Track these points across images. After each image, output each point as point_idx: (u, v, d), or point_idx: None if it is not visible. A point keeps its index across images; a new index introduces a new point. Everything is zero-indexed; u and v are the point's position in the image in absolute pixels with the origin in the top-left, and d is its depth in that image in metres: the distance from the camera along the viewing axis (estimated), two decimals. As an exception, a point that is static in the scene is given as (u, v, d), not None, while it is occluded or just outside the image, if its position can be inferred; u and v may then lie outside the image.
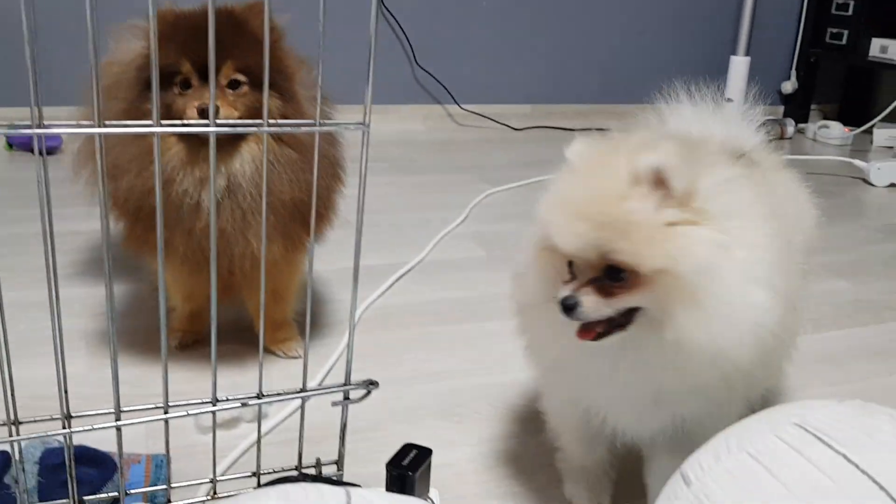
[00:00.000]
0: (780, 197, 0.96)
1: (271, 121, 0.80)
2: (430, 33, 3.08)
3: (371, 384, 0.92)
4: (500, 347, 1.40)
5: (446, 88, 3.15)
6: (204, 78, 1.07)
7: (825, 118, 3.49)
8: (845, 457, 0.63)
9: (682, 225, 0.75)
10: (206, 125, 0.74)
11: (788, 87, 3.53)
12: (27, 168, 2.23)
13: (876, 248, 2.04)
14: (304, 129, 0.84)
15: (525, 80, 3.28)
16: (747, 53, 3.29)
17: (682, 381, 0.80)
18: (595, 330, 0.79)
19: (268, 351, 1.32)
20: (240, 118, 1.08)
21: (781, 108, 3.59)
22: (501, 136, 3.10)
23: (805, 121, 3.49)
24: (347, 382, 0.91)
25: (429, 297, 1.60)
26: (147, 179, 1.08)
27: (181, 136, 1.10)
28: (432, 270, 1.74)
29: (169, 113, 1.07)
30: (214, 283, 0.82)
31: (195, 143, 1.10)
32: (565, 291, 0.78)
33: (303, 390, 0.90)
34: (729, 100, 3.39)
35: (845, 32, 3.32)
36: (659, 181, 0.74)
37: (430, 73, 3.13)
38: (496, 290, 1.63)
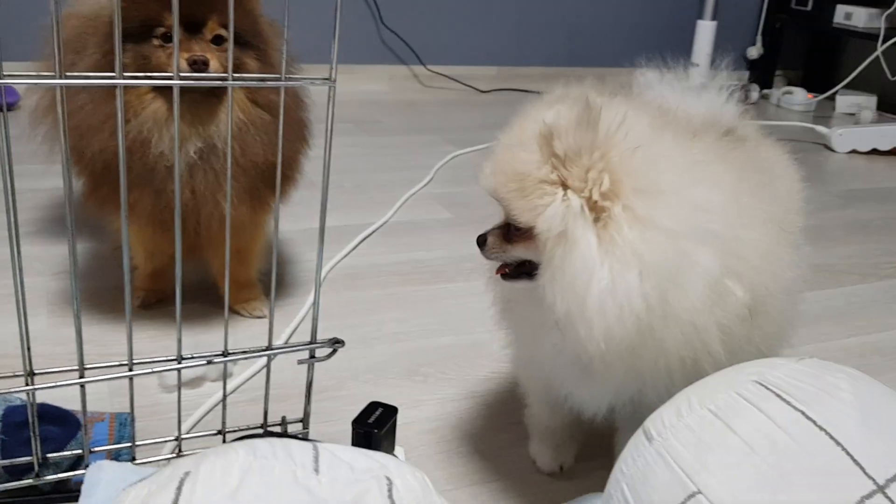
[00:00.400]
0: (773, 175, 0.93)
1: (236, 75, 0.79)
2: (394, -5, 3.05)
3: (337, 342, 0.92)
4: (465, 308, 1.40)
5: (412, 49, 3.12)
6: (189, 31, 1.05)
7: (789, 84, 3.51)
8: (804, 413, 0.65)
9: (551, 185, 0.74)
10: (171, 78, 0.72)
11: (754, 52, 3.55)
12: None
13: (836, 214, 2.07)
14: (269, 83, 0.82)
15: (491, 42, 3.26)
16: (714, 18, 3.29)
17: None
18: (503, 270, 0.82)
19: (232, 311, 1.31)
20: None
21: (746, 74, 3.61)
22: (467, 98, 3.09)
23: (769, 86, 3.52)
24: (313, 341, 0.91)
25: (394, 258, 1.60)
26: (114, 144, 1.06)
27: (159, 92, 1.07)
28: (397, 232, 1.73)
29: (148, 67, 1.05)
30: (179, 243, 0.81)
31: (170, 97, 1.07)
32: (484, 230, 0.82)
33: (268, 348, 0.90)
34: (695, 64, 3.39)
35: (810, -1, 3.34)
36: (546, 139, 0.74)
37: (395, 33, 3.09)
38: (461, 251, 1.64)
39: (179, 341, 0.85)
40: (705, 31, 3.29)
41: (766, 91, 3.44)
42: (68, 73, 0.68)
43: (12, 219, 0.72)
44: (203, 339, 1.22)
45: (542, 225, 0.73)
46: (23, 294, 0.76)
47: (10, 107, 2.00)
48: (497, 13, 3.22)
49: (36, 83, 0.68)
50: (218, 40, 1.08)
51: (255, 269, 1.34)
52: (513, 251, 0.79)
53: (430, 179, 2.07)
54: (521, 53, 3.32)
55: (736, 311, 0.78)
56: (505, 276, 0.82)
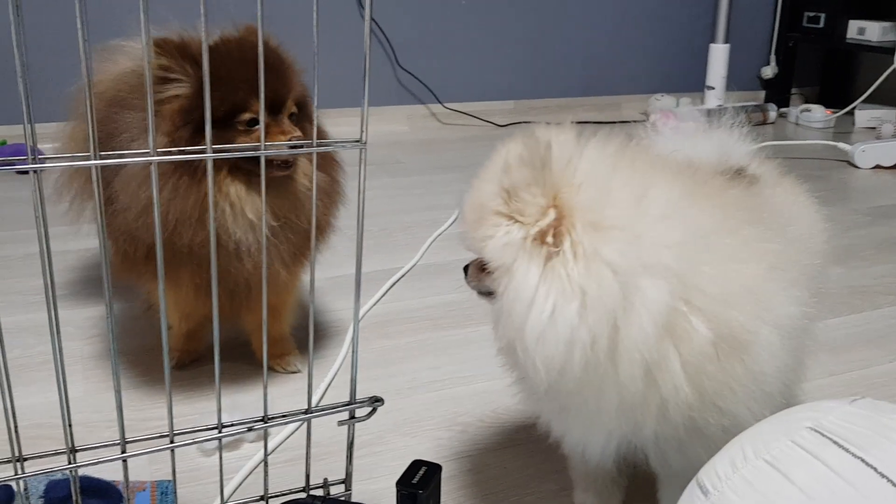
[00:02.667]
0: (782, 215, 0.91)
1: (268, 143, 0.79)
2: (410, 34, 3.07)
3: (376, 401, 0.91)
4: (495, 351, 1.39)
5: (429, 88, 3.14)
6: (272, 113, 1.05)
7: (806, 102, 3.50)
8: (863, 460, 0.63)
9: (501, 217, 0.75)
10: (203, 151, 0.72)
11: (768, 72, 3.54)
12: (9, 188, 2.20)
13: (865, 232, 2.05)
14: (302, 150, 0.83)
15: (507, 76, 3.28)
16: (726, 41, 3.29)
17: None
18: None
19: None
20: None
21: (762, 94, 3.60)
22: (486, 134, 3.10)
23: (786, 105, 3.50)
24: (353, 401, 0.90)
25: (424, 302, 1.60)
26: (204, 235, 1.05)
27: (235, 175, 1.07)
28: (426, 274, 1.73)
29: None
30: (216, 304, 0.81)
31: (247, 180, 1.07)
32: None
33: (308, 411, 0.89)
34: (710, 87, 3.39)
35: (822, 16, 3.33)
36: (502, 173, 0.75)
37: (412, 74, 3.11)
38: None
39: (219, 411, 0.85)
40: (719, 54, 3.29)
41: (783, 110, 3.42)
42: (102, 154, 0.68)
43: (50, 294, 0.72)
44: (239, 398, 1.21)
45: (487, 254, 0.75)
46: (63, 371, 0.76)
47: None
48: (511, 47, 3.23)
49: (71, 165, 0.68)
50: (292, 117, 1.09)
51: (289, 323, 1.34)
52: (485, 280, 0.79)
53: (455, 219, 2.07)
54: (536, 86, 3.33)
55: (700, 347, 0.75)
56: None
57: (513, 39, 3.23)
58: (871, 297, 1.66)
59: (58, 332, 0.74)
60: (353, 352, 0.89)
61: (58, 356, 0.75)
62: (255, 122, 1.04)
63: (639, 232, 0.73)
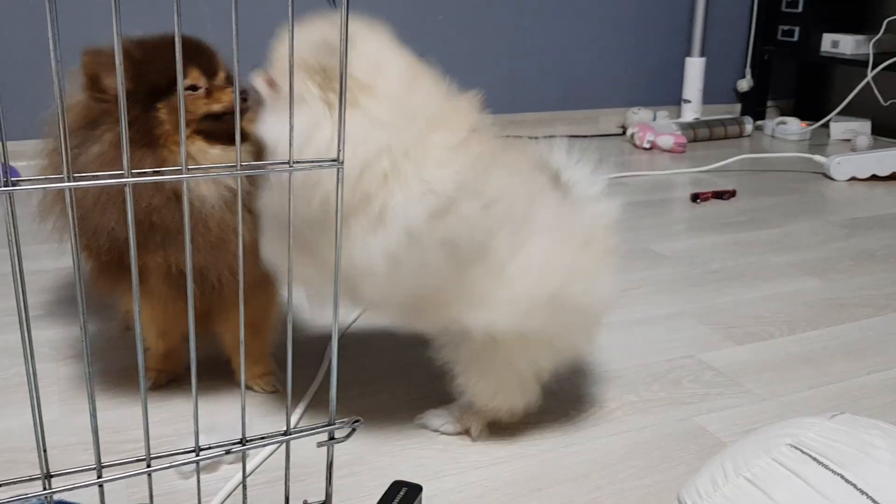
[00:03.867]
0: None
1: (244, 162, 0.78)
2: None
3: (355, 421, 0.91)
4: (479, 368, 1.39)
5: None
6: (208, 78, 1.12)
7: (782, 114, 3.53)
8: (843, 477, 0.63)
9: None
10: (179, 171, 0.71)
11: (744, 84, 3.57)
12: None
13: (842, 245, 2.06)
14: (277, 169, 0.82)
15: (485, 91, 3.27)
16: (702, 54, 3.33)
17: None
18: None
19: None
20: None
21: (738, 106, 3.63)
22: (464, 148, 3.10)
23: (762, 118, 3.53)
24: (332, 422, 0.90)
25: (404, 319, 1.59)
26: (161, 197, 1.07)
27: (197, 135, 1.11)
28: (405, 291, 1.72)
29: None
30: (192, 324, 0.80)
31: (206, 138, 1.12)
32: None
33: (286, 432, 0.89)
34: (686, 101, 3.42)
35: (796, 29, 3.37)
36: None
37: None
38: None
39: (197, 433, 0.84)
40: (695, 67, 3.32)
41: (759, 122, 3.45)
42: (76, 175, 0.67)
43: (23, 311, 0.71)
44: (218, 419, 1.20)
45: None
46: (37, 390, 0.75)
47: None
48: (489, 62, 3.24)
49: (44, 187, 0.67)
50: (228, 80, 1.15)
51: (269, 341, 1.33)
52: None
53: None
54: (514, 101, 3.33)
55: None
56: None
57: (490, 54, 3.24)
58: (850, 309, 1.67)
59: (32, 355, 0.73)
60: (332, 371, 0.88)
61: (32, 378, 0.73)
62: (194, 87, 1.11)
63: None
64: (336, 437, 0.91)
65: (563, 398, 1.29)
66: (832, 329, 1.57)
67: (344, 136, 0.77)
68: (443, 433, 1.19)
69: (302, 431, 0.89)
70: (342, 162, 0.78)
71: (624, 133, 3.29)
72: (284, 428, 0.89)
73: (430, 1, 3.11)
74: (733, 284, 1.78)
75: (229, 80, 1.15)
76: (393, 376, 1.37)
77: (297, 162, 0.77)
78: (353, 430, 0.91)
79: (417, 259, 0.97)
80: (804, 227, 2.18)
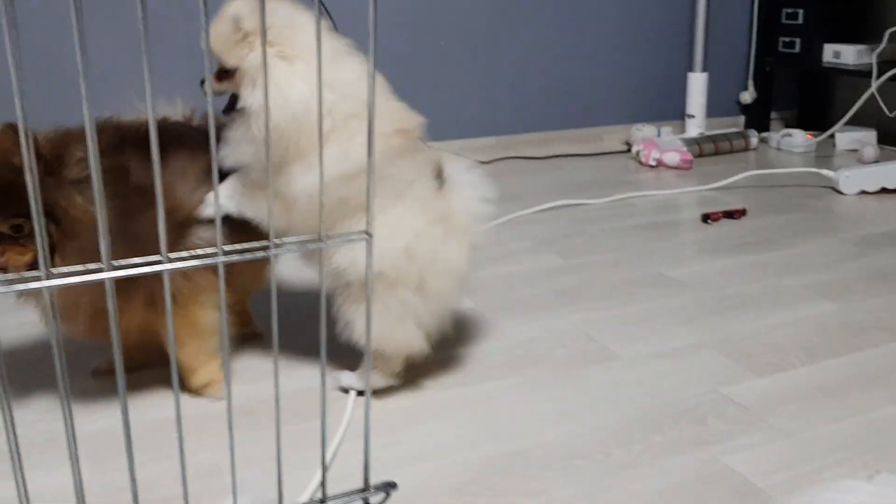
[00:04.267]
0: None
1: (277, 241, 0.78)
2: (391, 77, 3.07)
3: (389, 486, 0.90)
4: (504, 411, 1.38)
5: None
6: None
7: (786, 126, 3.54)
8: (892, 550, 0.63)
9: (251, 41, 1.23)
10: (215, 254, 0.71)
11: (747, 97, 3.58)
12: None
13: (856, 264, 2.06)
14: (311, 246, 0.82)
15: (488, 113, 3.29)
16: (704, 69, 3.33)
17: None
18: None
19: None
20: None
21: (742, 119, 3.64)
22: (470, 171, 3.10)
23: (767, 130, 3.54)
24: (366, 487, 0.89)
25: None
26: None
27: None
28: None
29: None
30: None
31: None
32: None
33: (322, 501, 0.88)
34: (690, 116, 3.42)
35: (797, 41, 3.37)
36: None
37: (393, 114, 3.11)
38: (487, 345, 1.63)
39: (235, 500, 0.84)
40: (697, 82, 3.33)
41: (764, 135, 3.45)
42: (116, 264, 0.67)
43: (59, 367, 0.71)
44: (244, 472, 1.19)
45: (245, 64, 1.24)
46: (76, 452, 0.74)
47: None
48: (491, 84, 3.25)
49: (86, 279, 0.67)
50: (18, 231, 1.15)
51: (199, 350, 1.37)
52: (225, 86, 1.28)
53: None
54: (517, 121, 3.34)
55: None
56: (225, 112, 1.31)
57: (492, 76, 3.25)
58: (867, 333, 1.66)
59: (70, 414, 0.73)
60: (365, 436, 0.88)
61: (71, 438, 0.73)
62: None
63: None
64: (371, 503, 0.90)
65: (591, 438, 1.29)
66: (852, 356, 1.57)
67: (374, 211, 0.77)
68: (353, 389, 1.42)
69: (337, 497, 0.89)
70: (371, 235, 0.78)
71: (629, 150, 3.29)
72: (320, 496, 0.89)
73: (431, 26, 3.12)
74: (749, 311, 1.78)
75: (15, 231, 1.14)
76: (416, 419, 1.36)
77: (329, 237, 0.77)
78: (388, 494, 0.90)
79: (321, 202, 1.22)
80: (817, 247, 2.18)
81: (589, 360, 1.56)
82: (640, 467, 1.23)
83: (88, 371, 1.51)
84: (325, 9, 2.90)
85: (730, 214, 2.43)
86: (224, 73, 1.27)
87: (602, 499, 1.16)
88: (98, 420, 1.36)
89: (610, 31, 3.37)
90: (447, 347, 1.62)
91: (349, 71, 1.29)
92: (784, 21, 3.42)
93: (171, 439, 1.29)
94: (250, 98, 1.23)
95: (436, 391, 1.46)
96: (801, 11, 3.34)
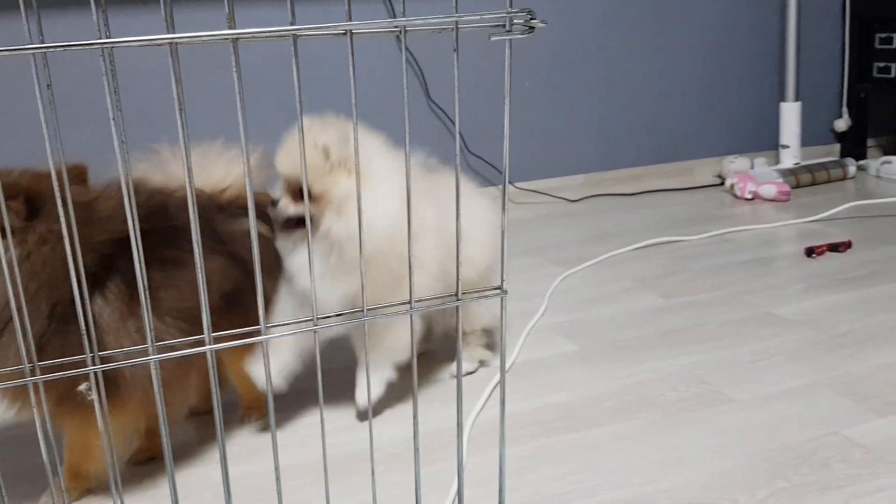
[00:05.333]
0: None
1: (417, 301, 0.80)
2: (477, 120, 3.11)
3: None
4: (617, 456, 1.37)
5: (499, 170, 3.17)
6: None
7: (884, 153, 3.44)
8: None
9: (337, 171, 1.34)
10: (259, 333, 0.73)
11: (842, 124, 3.50)
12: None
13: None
14: (449, 305, 0.83)
15: (575, 151, 3.29)
16: (797, 98, 3.27)
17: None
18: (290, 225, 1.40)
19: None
20: None
21: (837, 147, 3.55)
22: (559, 211, 3.10)
23: (863, 157, 3.45)
24: (499, 541, 0.90)
25: (530, 404, 1.58)
26: None
27: None
28: (526, 373, 1.72)
29: None
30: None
31: None
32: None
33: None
34: (784, 146, 3.35)
35: (893, 66, 3.29)
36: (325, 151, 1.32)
37: (481, 158, 3.15)
38: (598, 389, 1.61)
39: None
40: (790, 112, 3.27)
41: (861, 163, 3.36)
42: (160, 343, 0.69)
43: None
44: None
45: (335, 192, 1.33)
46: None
47: None
48: (577, 123, 3.26)
49: (133, 362, 0.70)
50: None
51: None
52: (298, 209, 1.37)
53: (546, 308, 2.06)
54: (605, 159, 3.33)
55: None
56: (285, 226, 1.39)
57: (579, 115, 3.26)
58: None
59: None
60: (500, 489, 0.88)
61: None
62: None
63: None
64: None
65: (713, 483, 1.26)
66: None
67: (505, 264, 0.79)
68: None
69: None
70: (506, 291, 0.79)
71: (722, 183, 3.24)
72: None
73: (515, 68, 3.15)
74: (864, 349, 1.73)
75: None
76: (528, 468, 1.35)
77: (465, 293, 0.78)
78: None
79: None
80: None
81: (702, 404, 1.53)
82: (767, 515, 1.20)
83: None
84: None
85: (835, 247, 2.36)
86: (298, 194, 1.35)
87: (730, 549, 1.13)
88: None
89: (698, 63, 3.35)
90: (556, 392, 1.61)
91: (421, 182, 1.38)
92: (878, 46, 3.34)
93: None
94: (337, 226, 1.32)
95: (548, 438, 1.45)
96: (895, 36, 3.26)
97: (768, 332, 1.84)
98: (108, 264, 1.12)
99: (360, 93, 2.72)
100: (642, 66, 3.28)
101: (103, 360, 0.71)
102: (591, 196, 3.22)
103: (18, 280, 0.96)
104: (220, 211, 1.37)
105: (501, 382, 0.88)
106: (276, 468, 0.80)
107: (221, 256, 1.29)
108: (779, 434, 1.42)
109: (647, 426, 1.46)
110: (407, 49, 2.92)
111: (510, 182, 3.18)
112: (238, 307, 1.32)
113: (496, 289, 0.79)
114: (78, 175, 1.16)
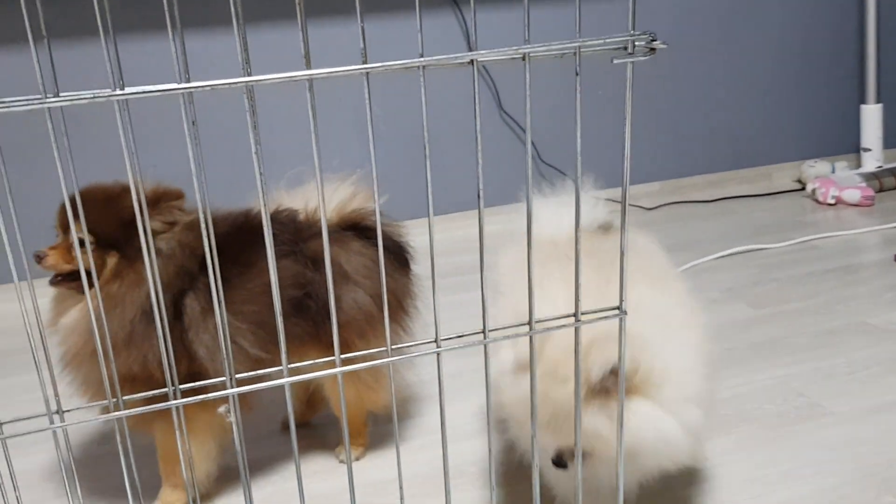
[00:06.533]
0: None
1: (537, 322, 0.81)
2: (550, 129, 3.10)
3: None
4: (721, 472, 1.35)
5: (572, 179, 3.15)
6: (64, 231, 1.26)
7: (972, 153, 3.33)
8: None
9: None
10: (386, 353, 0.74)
11: (925, 126, 3.40)
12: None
13: None
14: (566, 326, 0.83)
15: (650, 158, 3.26)
16: (878, 100, 3.19)
17: None
18: None
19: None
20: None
21: (921, 149, 3.46)
22: (636, 220, 3.07)
23: (950, 159, 3.35)
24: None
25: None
26: None
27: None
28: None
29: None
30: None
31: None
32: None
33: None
34: (866, 149, 3.27)
35: (979, 64, 3.20)
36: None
37: (553, 167, 3.14)
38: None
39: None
40: (871, 114, 3.20)
41: (950, 165, 3.26)
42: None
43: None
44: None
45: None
46: None
47: None
48: (652, 129, 3.23)
49: (267, 385, 0.72)
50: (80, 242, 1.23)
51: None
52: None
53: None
54: (681, 165, 3.30)
55: None
56: None
57: (654, 121, 3.23)
58: None
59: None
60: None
61: None
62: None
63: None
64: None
65: (820, 500, 1.24)
66: None
67: (625, 283, 0.79)
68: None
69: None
70: (625, 311, 0.79)
71: (802, 188, 3.18)
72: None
73: (589, 75, 3.13)
74: (967, 358, 1.68)
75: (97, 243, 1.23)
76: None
77: (584, 313, 0.79)
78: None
79: None
80: None
81: (801, 417, 1.51)
82: (878, 532, 1.18)
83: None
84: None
85: (926, 253, 2.30)
86: None
87: (844, 567, 1.11)
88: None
89: (775, 65, 3.29)
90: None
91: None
92: (962, 44, 3.25)
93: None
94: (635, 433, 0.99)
95: (645, 452, 1.45)
96: (981, 33, 3.16)
97: (863, 343, 1.80)
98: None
99: (429, 104, 2.74)
100: (717, 69, 3.24)
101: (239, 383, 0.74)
102: (668, 203, 3.19)
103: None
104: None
105: (620, 404, 0.88)
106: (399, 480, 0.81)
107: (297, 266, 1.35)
108: (884, 448, 1.39)
109: (746, 440, 1.44)
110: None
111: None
112: (306, 312, 1.35)
113: (615, 308, 0.79)
114: (179, 196, 1.26)
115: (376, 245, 1.48)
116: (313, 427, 1.59)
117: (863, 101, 3.22)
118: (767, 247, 2.50)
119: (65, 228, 1.25)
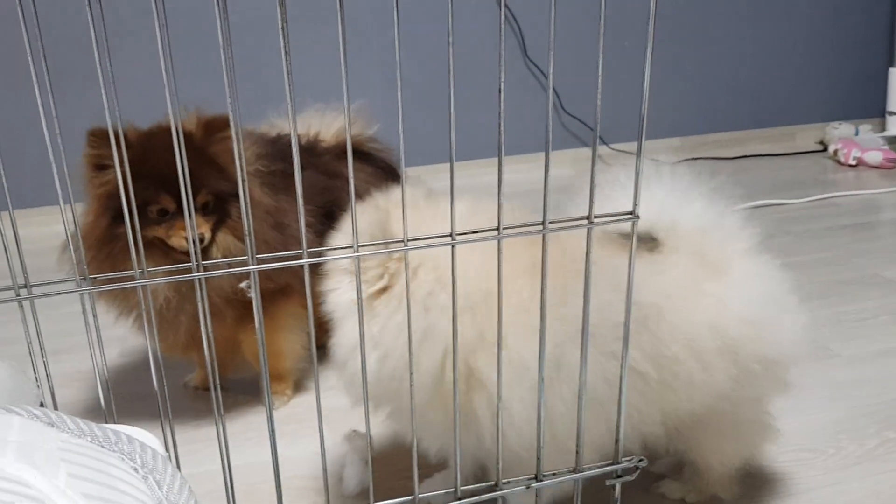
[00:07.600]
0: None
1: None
2: (574, 79, 3.10)
3: (640, 460, 0.93)
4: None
5: (593, 130, 3.16)
6: (179, 205, 1.20)
7: None
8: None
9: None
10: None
11: (953, 92, 3.37)
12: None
13: None
14: (578, 225, 0.85)
15: (673, 113, 3.26)
16: (907, 64, 3.17)
17: None
18: None
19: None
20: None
21: (950, 116, 3.43)
22: (654, 173, 3.07)
23: (977, 125, 3.32)
24: (618, 461, 0.93)
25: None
26: None
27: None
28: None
29: (144, 234, 1.16)
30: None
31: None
32: None
33: (576, 470, 0.92)
34: (892, 113, 3.24)
35: None
36: None
37: (576, 118, 3.15)
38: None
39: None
40: (899, 78, 3.17)
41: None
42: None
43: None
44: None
45: None
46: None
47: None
48: (676, 84, 3.22)
49: (288, 265, 0.75)
50: (205, 207, 1.25)
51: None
52: None
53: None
54: (704, 121, 3.29)
55: None
56: None
57: (678, 76, 3.22)
58: None
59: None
60: (620, 411, 0.91)
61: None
62: (164, 212, 1.22)
63: None
64: (622, 474, 0.94)
65: (822, 432, 1.27)
66: None
67: (639, 189, 0.81)
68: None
69: (591, 468, 0.93)
70: (638, 215, 0.81)
71: (825, 150, 3.17)
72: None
73: (616, 27, 3.12)
74: (976, 310, 1.69)
75: (217, 207, 1.26)
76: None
77: (598, 216, 0.81)
78: (638, 467, 0.93)
79: None
80: None
81: (809, 358, 1.52)
82: (875, 462, 1.21)
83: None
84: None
85: (944, 213, 2.30)
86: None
87: (839, 491, 1.14)
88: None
89: (802, 25, 3.26)
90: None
91: None
92: None
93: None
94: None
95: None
96: None
97: (874, 293, 1.81)
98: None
99: (455, 46, 2.75)
100: (743, 28, 3.22)
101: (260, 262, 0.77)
102: (689, 159, 3.18)
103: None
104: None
105: (624, 340, 0.90)
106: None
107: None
108: (887, 388, 1.41)
109: (751, 376, 1.47)
110: (507, 7, 2.93)
111: (605, 143, 3.17)
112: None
113: (628, 213, 0.82)
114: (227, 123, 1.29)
115: (373, 165, 1.58)
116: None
117: (892, 64, 3.20)
118: (786, 202, 2.51)
119: (176, 197, 1.21)
